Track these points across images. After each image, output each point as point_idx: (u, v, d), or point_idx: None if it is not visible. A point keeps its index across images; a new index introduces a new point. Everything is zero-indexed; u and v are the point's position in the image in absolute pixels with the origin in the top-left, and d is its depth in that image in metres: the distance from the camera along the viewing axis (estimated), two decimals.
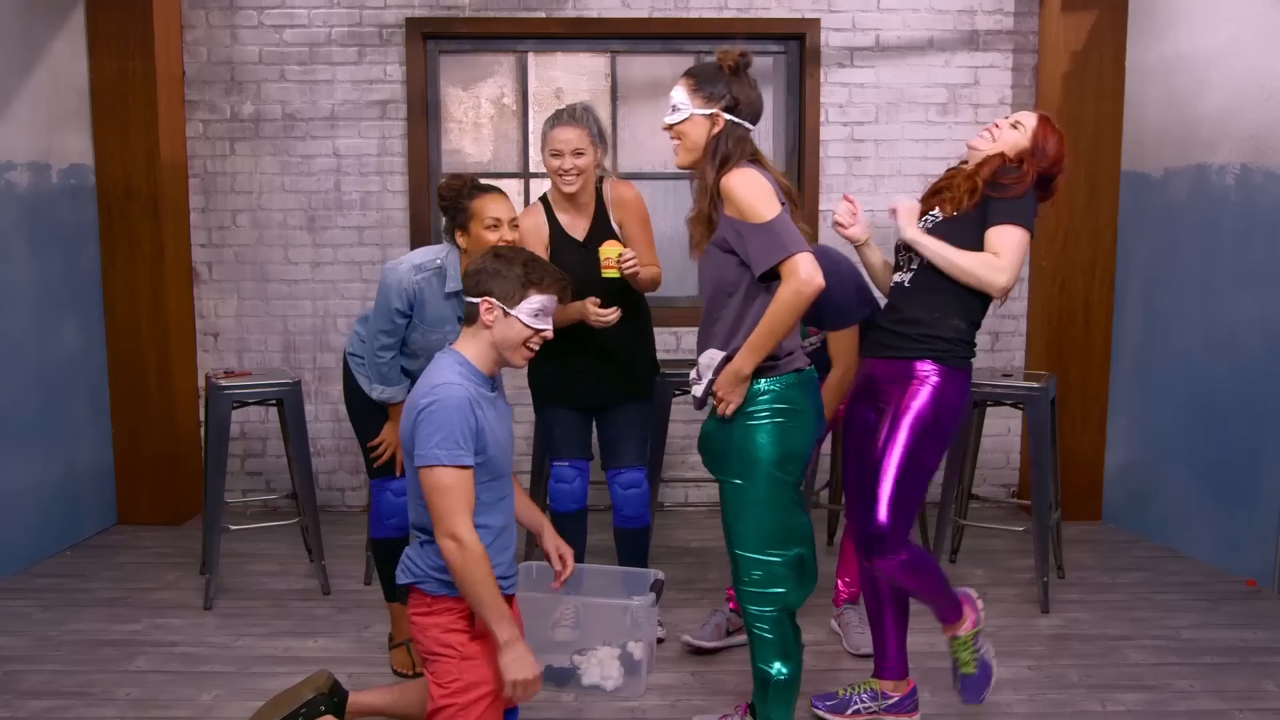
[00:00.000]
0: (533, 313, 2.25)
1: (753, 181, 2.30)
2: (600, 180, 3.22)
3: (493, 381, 2.33)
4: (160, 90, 4.40)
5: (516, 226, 2.90)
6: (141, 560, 4.12)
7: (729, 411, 2.34)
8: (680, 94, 2.38)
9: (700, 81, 2.37)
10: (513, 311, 2.24)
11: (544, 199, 3.25)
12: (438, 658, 2.26)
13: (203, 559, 3.83)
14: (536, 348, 2.30)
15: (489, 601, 2.16)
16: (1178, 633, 3.38)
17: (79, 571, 3.98)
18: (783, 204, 2.33)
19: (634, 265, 2.98)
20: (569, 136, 3.05)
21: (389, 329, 2.90)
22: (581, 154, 3.06)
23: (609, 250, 2.99)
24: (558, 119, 3.09)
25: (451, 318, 2.89)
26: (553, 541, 2.56)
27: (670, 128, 2.40)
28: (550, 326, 2.30)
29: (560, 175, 3.08)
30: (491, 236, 2.82)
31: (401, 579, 2.31)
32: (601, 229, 3.18)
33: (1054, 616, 3.52)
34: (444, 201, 2.91)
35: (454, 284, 2.87)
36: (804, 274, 2.23)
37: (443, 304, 2.89)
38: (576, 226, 3.18)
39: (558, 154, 3.06)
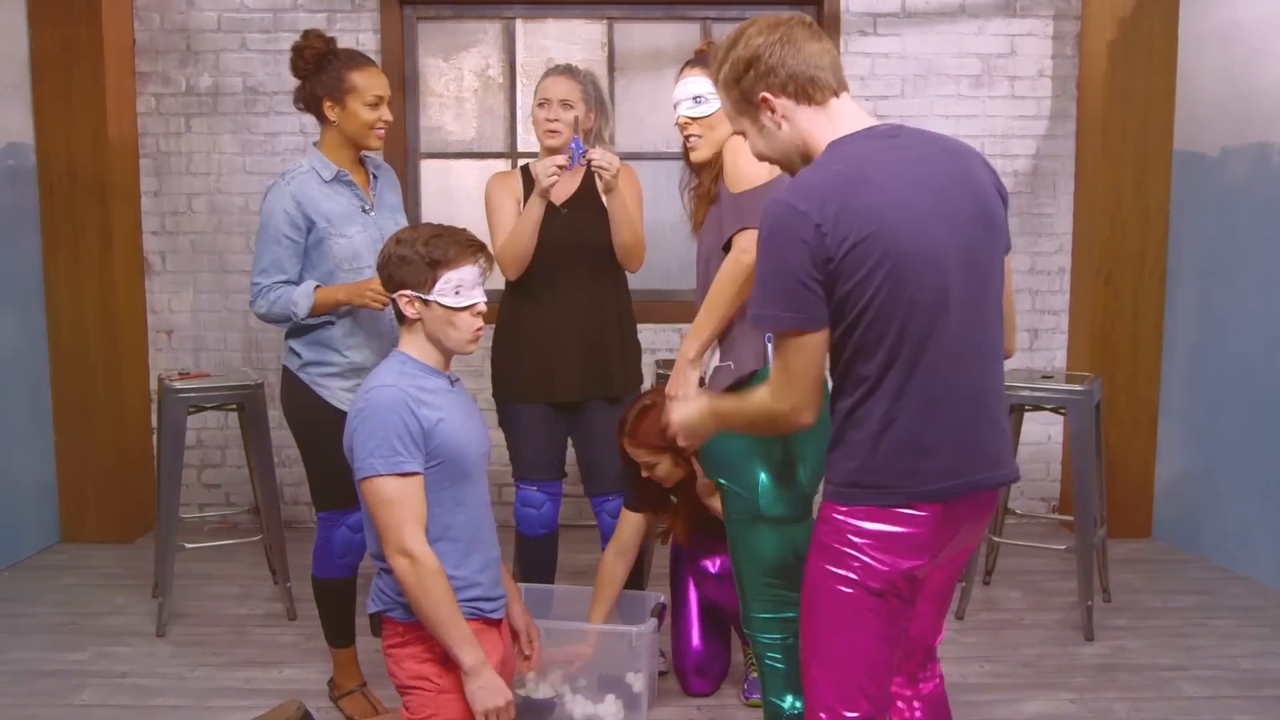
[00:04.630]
0: (451, 291, 2.25)
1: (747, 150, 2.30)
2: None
3: (449, 376, 2.33)
4: (108, 61, 4.39)
5: (389, 105, 2.90)
6: (87, 582, 4.11)
7: (678, 420, 2.12)
8: (705, 84, 2.39)
9: None
10: (430, 297, 2.25)
11: (524, 169, 3.32)
12: (412, 690, 2.27)
13: (155, 580, 3.83)
14: (478, 326, 2.29)
15: (448, 622, 2.16)
16: (1236, 663, 3.38)
17: (18, 594, 3.97)
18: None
19: (606, 166, 3.04)
20: (558, 87, 3.17)
21: (272, 260, 2.83)
22: (570, 107, 3.16)
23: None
24: (552, 70, 3.25)
25: (357, 209, 2.89)
26: (522, 619, 2.56)
27: (695, 120, 2.40)
28: (482, 298, 2.29)
29: (546, 127, 3.17)
30: (372, 116, 2.84)
31: (372, 607, 2.32)
32: (587, 197, 3.23)
33: (1099, 644, 3.53)
34: (306, 64, 2.85)
35: (328, 170, 2.87)
36: (745, 243, 2.28)
37: (336, 196, 2.87)
38: (558, 192, 3.20)
39: (544, 103, 3.18)
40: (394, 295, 2.28)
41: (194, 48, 4.67)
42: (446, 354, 2.32)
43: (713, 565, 3.12)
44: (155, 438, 4.46)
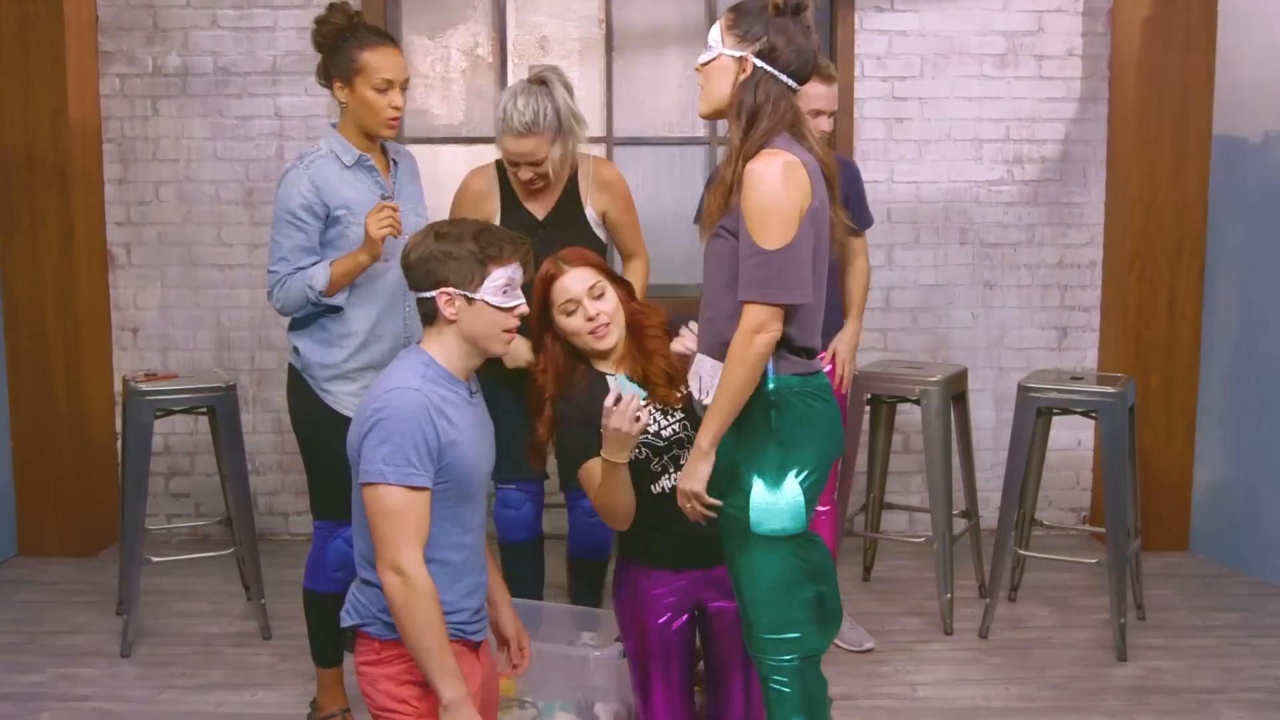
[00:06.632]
0: (499, 290, 2.26)
1: (780, 189, 2.23)
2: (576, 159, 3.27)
3: (469, 385, 2.33)
4: (69, 39, 4.39)
5: (405, 89, 2.91)
6: (47, 598, 4.12)
7: (698, 509, 2.39)
8: (715, 31, 2.38)
9: (738, 18, 2.35)
10: (476, 296, 2.24)
11: (498, 164, 3.29)
12: (389, 714, 2.26)
13: (120, 597, 3.83)
14: (516, 327, 2.32)
15: (433, 649, 2.16)
16: None
17: None
18: (814, 204, 2.31)
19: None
20: (523, 149, 3.09)
21: (290, 248, 2.81)
22: (539, 164, 3.10)
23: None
24: (506, 125, 3.08)
25: (378, 197, 2.90)
26: (513, 626, 2.56)
27: (699, 69, 2.40)
28: (523, 300, 2.31)
29: (524, 183, 3.16)
30: (380, 100, 2.85)
31: (346, 620, 2.31)
32: (568, 211, 3.22)
33: (1133, 665, 3.53)
34: (325, 40, 2.87)
35: (349, 155, 2.89)
36: (753, 322, 2.23)
37: (355, 182, 2.89)
38: (538, 202, 3.21)
39: (514, 165, 3.14)
40: (432, 294, 2.25)
41: (161, 25, 4.66)
42: (478, 358, 2.32)
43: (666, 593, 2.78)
44: (120, 443, 4.46)
